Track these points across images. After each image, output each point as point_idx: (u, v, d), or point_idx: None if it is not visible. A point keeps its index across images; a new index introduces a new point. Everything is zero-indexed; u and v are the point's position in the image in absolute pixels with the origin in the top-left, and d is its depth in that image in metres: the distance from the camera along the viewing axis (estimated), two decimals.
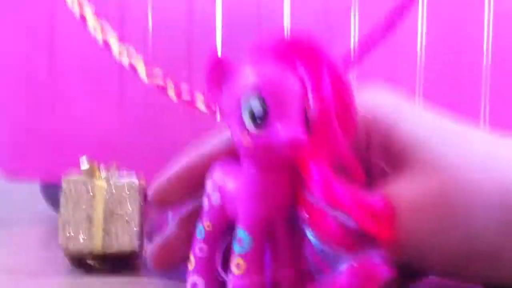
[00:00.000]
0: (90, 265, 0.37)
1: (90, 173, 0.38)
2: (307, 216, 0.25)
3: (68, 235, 0.36)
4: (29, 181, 0.58)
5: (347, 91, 0.26)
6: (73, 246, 0.36)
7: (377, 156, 0.27)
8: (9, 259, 0.40)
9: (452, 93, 0.57)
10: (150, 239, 0.36)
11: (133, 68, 0.32)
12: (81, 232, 0.36)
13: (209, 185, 0.28)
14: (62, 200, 0.36)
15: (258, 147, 0.25)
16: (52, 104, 0.56)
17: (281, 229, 0.26)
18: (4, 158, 0.59)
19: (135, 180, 0.37)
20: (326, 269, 0.25)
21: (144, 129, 0.57)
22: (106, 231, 0.36)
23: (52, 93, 0.56)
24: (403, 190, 0.26)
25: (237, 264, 0.26)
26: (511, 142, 0.28)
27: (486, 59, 0.55)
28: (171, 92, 0.32)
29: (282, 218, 0.26)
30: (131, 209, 0.36)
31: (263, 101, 0.24)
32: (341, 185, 0.25)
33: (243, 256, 0.26)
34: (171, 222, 0.32)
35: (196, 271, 0.29)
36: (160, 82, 0.32)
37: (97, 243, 0.36)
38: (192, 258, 0.29)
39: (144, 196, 0.38)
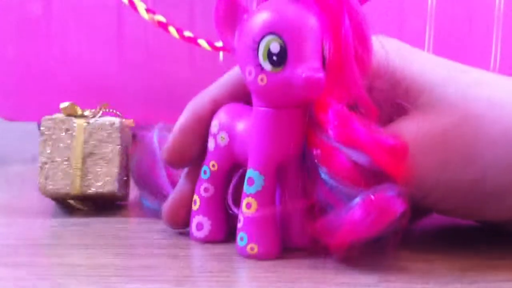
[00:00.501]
0: (73, 206, 0.36)
1: (70, 112, 0.36)
2: (319, 153, 0.25)
3: (46, 175, 0.35)
4: (26, 121, 0.58)
5: (365, 31, 0.26)
6: (51, 187, 0.35)
7: (383, 97, 0.27)
8: (4, 198, 0.40)
9: (462, 45, 0.57)
10: (141, 186, 0.35)
11: (132, 4, 0.32)
12: (59, 172, 0.35)
13: (214, 126, 0.29)
14: (41, 139, 0.35)
15: (275, 85, 0.25)
16: (48, 45, 0.56)
17: (292, 167, 0.27)
18: (1, 98, 0.59)
19: (115, 120, 0.36)
20: (338, 204, 0.25)
21: (142, 72, 0.57)
22: (85, 172, 0.35)
23: (48, 33, 0.56)
24: (409, 128, 0.26)
25: (247, 204, 0.27)
26: None
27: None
28: (172, 29, 0.32)
29: (294, 156, 0.26)
30: (110, 149, 0.35)
31: (281, 40, 0.25)
32: (357, 122, 0.25)
33: (254, 196, 0.27)
34: (182, 176, 0.31)
35: (201, 211, 0.29)
36: (160, 18, 0.32)
37: (75, 184, 0.35)
38: (196, 198, 0.29)
39: (132, 137, 0.38)
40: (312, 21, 0.25)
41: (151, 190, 0.34)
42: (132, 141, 0.38)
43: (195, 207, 0.29)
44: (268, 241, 0.27)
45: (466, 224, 0.34)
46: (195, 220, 0.29)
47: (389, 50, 0.27)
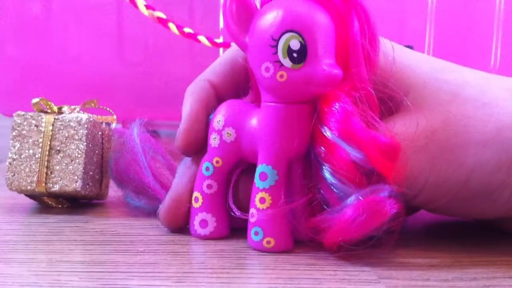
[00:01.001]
0: (49, 204, 0.36)
1: (41, 108, 0.36)
2: (323, 150, 0.25)
3: (13, 171, 0.34)
4: None
5: (373, 28, 0.26)
6: (17, 183, 0.34)
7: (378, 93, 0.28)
8: (4, 195, 0.39)
9: (462, 45, 0.57)
10: (123, 184, 0.35)
11: (132, 0, 0.32)
12: (26, 168, 0.34)
13: (219, 122, 0.29)
14: (11, 135, 0.35)
15: (296, 82, 0.26)
16: (48, 44, 0.56)
17: (297, 162, 0.27)
18: (2, 96, 0.59)
19: (83, 116, 0.35)
20: (335, 202, 0.25)
21: (142, 71, 0.57)
22: (51, 169, 0.34)
23: (48, 33, 0.56)
24: (398, 126, 0.27)
25: (261, 199, 0.27)
26: (506, 79, 0.29)
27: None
28: (172, 25, 0.32)
29: (303, 151, 0.27)
30: (75, 147, 0.34)
31: (300, 37, 0.25)
32: (357, 118, 0.25)
33: (268, 190, 0.27)
34: (177, 176, 0.31)
35: (205, 208, 0.29)
36: (160, 14, 0.32)
37: (41, 181, 0.34)
38: (198, 195, 0.29)
39: (107, 136, 0.37)
40: (326, 19, 0.26)
41: (135, 188, 0.34)
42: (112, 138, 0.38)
43: (196, 204, 0.29)
44: (284, 234, 0.27)
45: (466, 221, 0.34)
46: (198, 218, 0.29)
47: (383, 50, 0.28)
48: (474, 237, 0.32)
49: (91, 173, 0.35)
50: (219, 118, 0.29)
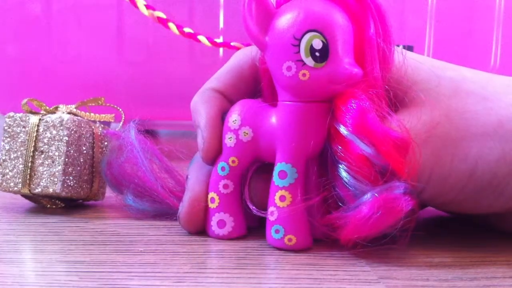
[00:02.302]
0: (44, 204, 0.36)
1: (29, 108, 0.35)
2: (339, 149, 0.26)
3: (2, 172, 0.34)
4: None
5: (388, 29, 0.27)
6: (5, 184, 0.34)
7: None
8: (4, 195, 0.39)
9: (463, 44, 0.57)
10: (120, 186, 0.34)
11: (132, 0, 0.32)
12: (14, 169, 0.34)
13: (235, 122, 0.29)
14: (3, 136, 0.35)
15: (318, 80, 0.26)
16: (48, 44, 0.56)
17: (312, 160, 0.28)
18: (2, 95, 0.59)
19: (65, 117, 0.34)
20: (350, 200, 0.26)
21: (143, 71, 0.57)
22: (34, 170, 0.34)
23: (48, 33, 0.56)
24: (404, 121, 0.27)
25: (281, 197, 0.27)
26: (504, 77, 0.30)
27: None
28: (172, 25, 0.32)
29: (319, 149, 0.27)
30: (56, 148, 0.34)
31: (322, 36, 0.26)
32: (373, 114, 0.25)
33: (288, 188, 0.27)
34: (192, 177, 0.30)
35: (222, 208, 0.29)
36: (160, 14, 0.32)
37: (25, 183, 0.34)
38: (215, 195, 0.29)
39: (99, 136, 0.36)
40: (344, 18, 0.26)
41: (135, 191, 0.33)
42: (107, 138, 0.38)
43: (213, 205, 0.29)
44: (304, 232, 0.28)
45: (466, 221, 0.34)
46: (216, 218, 0.29)
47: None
48: (474, 237, 0.31)
49: (74, 174, 0.35)
50: (234, 118, 0.29)
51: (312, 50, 0.26)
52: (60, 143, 0.34)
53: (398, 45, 0.29)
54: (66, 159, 0.34)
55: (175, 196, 0.33)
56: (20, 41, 0.59)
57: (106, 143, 0.37)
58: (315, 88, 0.26)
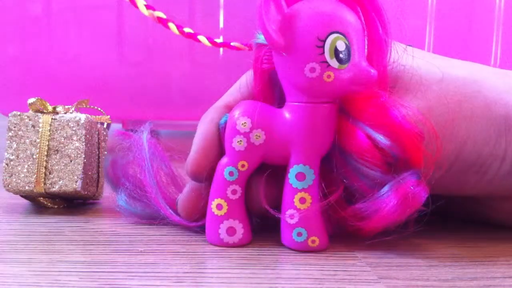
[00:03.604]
0: (44, 204, 0.36)
1: (38, 108, 0.36)
2: (353, 144, 0.26)
3: (10, 172, 0.34)
4: None
5: (385, 17, 0.28)
6: (14, 184, 0.34)
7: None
8: (4, 195, 0.39)
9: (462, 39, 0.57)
10: (120, 186, 0.34)
11: (132, 0, 0.32)
12: (24, 169, 0.34)
13: (244, 124, 0.28)
14: (7, 135, 0.34)
15: (342, 81, 0.26)
16: (48, 44, 0.56)
17: (326, 157, 0.28)
18: (2, 95, 0.59)
19: (81, 116, 0.35)
20: (367, 190, 0.26)
21: (142, 71, 0.57)
22: (49, 170, 0.34)
23: (48, 33, 0.56)
24: None
25: (301, 199, 0.27)
26: (492, 67, 0.31)
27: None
28: (172, 25, 0.32)
29: (330, 148, 0.27)
30: (75, 147, 0.34)
31: (345, 38, 0.26)
32: (393, 108, 0.26)
33: (307, 190, 0.27)
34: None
35: (231, 214, 0.28)
36: (160, 14, 0.32)
37: (39, 182, 0.34)
38: (222, 202, 0.28)
39: (102, 136, 0.37)
40: (356, 18, 0.27)
41: (131, 193, 0.33)
42: (107, 138, 0.38)
43: (220, 212, 0.28)
44: (324, 231, 0.28)
45: (466, 221, 0.34)
46: (224, 225, 0.28)
47: None
48: (474, 237, 0.31)
49: (89, 173, 0.35)
50: (244, 121, 0.28)
51: (336, 52, 0.26)
52: (78, 142, 0.34)
53: None
54: (85, 158, 0.34)
55: (171, 208, 0.32)
56: (20, 41, 0.59)
57: (104, 143, 0.38)
58: (337, 89, 0.26)
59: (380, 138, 0.26)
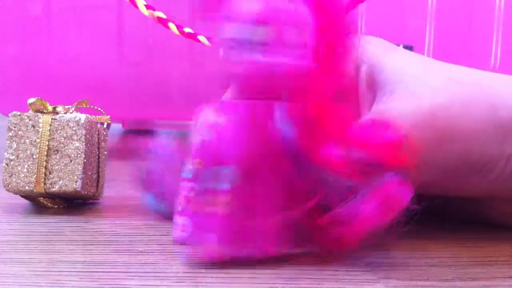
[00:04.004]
0: (44, 204, 0.36)
1: (38, 108, 0.35)
2: (320, 155, 0.25)
3: (10, 172, 0.34)
4: None
5: (346, 27, 0.26)
6: (14, 184, 0.34)
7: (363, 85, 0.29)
8: (3, 195, 0.38)
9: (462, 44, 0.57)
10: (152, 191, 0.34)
11: (132, 0, 0.32)
12: (24, 169, 0.34)
13: (201, 121, 0.27)
14: (7, 135, 0.34)
15: (259, 73, 0.25)
16: (48, 44, 0.56)
17: (286, 166, 0.26)
18: (2, 96, 0.59)
19: (81, 116, 0.35)
20: (345, 195, 0.25)
21: (143, 71, 0.57)
22: (49, 170, 0.34)
23: (48, 33, 0.56)
24: (393, 110, 0.27)
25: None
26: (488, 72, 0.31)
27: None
28: (172, 25, 0.32)
29: (288, 153, 0.26)
30: (75, 147, 0.34)
31: (266, 28, 0.25)
32: (357, 124, 0.26)
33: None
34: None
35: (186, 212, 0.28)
36: (160, 14, 0.32)
37: (39, 182, 0.34)
38: (181, 199, 0.28)
39: (102, 136, 0.36)
40: (298, 14, 0.25)
41: (158, 193, 0.33)
42: (107, 137, 0.38)
43: (180, 208, 0.28)
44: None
45: (466, 221, 0.34)
46: (180, 221, 0.28)
47: (370, 44, 0.29)
48: (474, 237, 0.31)
49: (89, 173, 0.35)
50: (202, 117, 0.27)
51: (253, 42, 0.25)
52: (78, 142, 0.34)
53: (398, 45, 0.29)
54: (85, 158, 0.34)
55: None
56: (20, 41, 0.59)
57: (104, 143, 0.38)
58: (257, 81, 0.26)
59: (352, 153, 0.25)
